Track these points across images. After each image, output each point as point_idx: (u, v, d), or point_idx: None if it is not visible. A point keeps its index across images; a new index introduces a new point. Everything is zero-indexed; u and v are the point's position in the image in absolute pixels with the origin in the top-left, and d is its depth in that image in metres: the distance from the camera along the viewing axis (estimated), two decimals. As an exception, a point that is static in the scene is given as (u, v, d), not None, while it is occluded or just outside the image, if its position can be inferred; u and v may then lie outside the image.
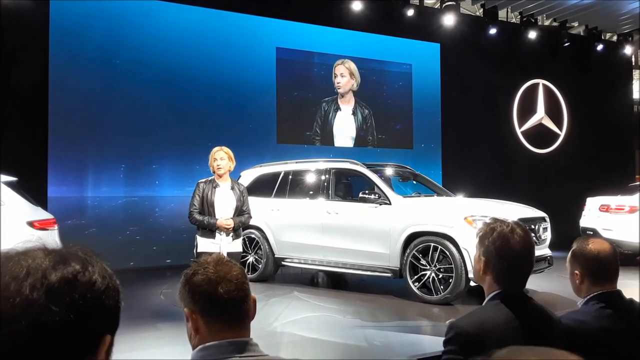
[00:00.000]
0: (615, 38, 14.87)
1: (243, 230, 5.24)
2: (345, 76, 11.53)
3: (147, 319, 5.66)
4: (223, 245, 4.85)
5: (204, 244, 4.84)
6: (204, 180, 5.01)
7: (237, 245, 4.98)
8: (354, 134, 11.65)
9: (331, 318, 5.98)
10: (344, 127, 11.54)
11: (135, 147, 9.25)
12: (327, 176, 7.54)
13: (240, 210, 4.98)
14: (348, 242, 7.00)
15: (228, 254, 4.75)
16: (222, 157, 4.94)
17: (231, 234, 4.91)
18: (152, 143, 9.41)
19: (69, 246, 0.81)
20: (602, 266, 2.12)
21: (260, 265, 7.72)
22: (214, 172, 4.99)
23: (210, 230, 4.85)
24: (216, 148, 5.03)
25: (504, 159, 12.92)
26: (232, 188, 5.02)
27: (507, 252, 1.84)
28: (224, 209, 4.90)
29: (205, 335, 1.38)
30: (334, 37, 11.33)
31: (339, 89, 11.49)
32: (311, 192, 7.68)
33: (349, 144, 11.57)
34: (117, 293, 0.79)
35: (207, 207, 4.87)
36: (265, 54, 10.60)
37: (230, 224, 4.87)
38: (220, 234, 4.87)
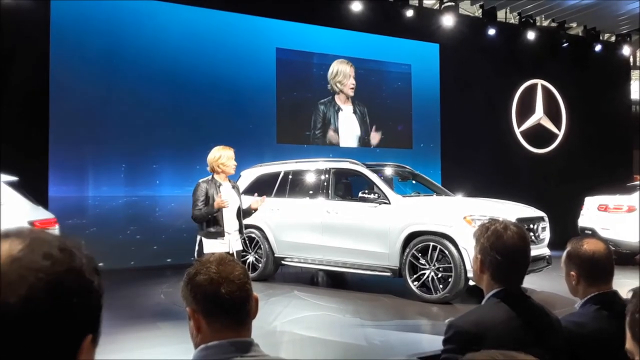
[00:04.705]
0: (613, 38, 14.89)
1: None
2: (354, 79, 11.64)
3: (148, 318, 5.69)
4: (232, 243, 4.87)
5: (211, 246, 4.74)
6: (204, 179, 4.97)
7: (239, 244, 5.03)
8: (359, 132, 11.70)
9: (331, 317, 6.00)
10: (349, 127, 11.60)
11: (135, 147, 9.26)
12: (326, 176, 7.56)
13: (239, 209, 5.03)
14: (348, 242, 7.02)
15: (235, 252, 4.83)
16: (234, 159, 4.98)
17: (238, 232, 4.97)
18: (153, 143, 9.43)
19: (64, 242, 0.81)
20: (597, 267, 2.12)
21: (260, 265, 7.75)
22: (222, 171, 4.93)
23: (217, 232, 4.82)
24: (229, 148, 4.97)
25: (503, 159, 12.94)
26: (233, 187, 5.07)
27: (501, 247, 1.86)
28: (229, 207, 4.90)
29: (207, 335, 1.39)
30: (334, 37, 11.35)
31: (351, 91, 11.61)
32: (311, 192, 7.70)
33: (354, 143, 11.61)
34: (100, 294, 0.80)
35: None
36: (265, 54, 10.61)
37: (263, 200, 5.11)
38: (229, 234, 4.88)
